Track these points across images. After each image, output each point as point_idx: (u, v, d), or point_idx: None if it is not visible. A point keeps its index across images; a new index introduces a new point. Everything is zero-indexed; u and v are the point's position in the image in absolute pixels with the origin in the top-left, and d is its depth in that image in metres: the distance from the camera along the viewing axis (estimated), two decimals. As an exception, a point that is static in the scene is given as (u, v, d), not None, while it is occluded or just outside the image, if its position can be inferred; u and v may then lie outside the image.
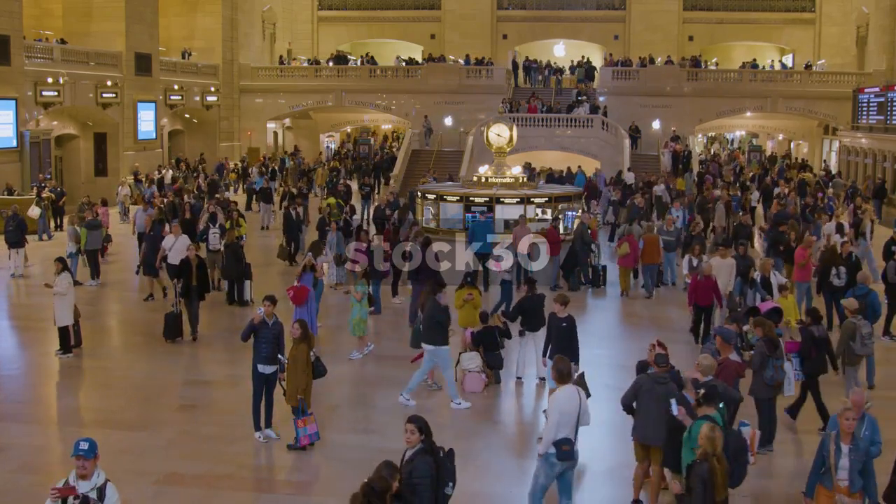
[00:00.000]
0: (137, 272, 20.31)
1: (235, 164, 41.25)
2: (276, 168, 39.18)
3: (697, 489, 6.87)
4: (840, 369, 11.90)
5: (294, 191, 29.06)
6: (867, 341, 11.79)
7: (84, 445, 6.48)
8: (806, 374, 11.26)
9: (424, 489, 6.61)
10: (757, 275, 15.23)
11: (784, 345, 12.02)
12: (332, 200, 25.01)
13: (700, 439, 7.05)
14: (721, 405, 8.16)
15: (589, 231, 20.36)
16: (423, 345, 12.20)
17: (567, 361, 8.72)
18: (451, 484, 6.93)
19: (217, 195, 27.73)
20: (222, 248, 18.99)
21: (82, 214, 21.72)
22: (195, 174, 36.66)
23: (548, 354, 11.62)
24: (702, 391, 8.10)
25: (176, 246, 17.57)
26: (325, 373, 10.79)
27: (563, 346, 11.29)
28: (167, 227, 19.32)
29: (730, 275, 15.47)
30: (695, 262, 16.40)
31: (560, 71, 46.45)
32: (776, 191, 29.14)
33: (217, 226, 19.57)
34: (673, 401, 8.25)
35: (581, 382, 9.22)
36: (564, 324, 11.61)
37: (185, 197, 26.76)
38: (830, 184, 33.76)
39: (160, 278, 18.48)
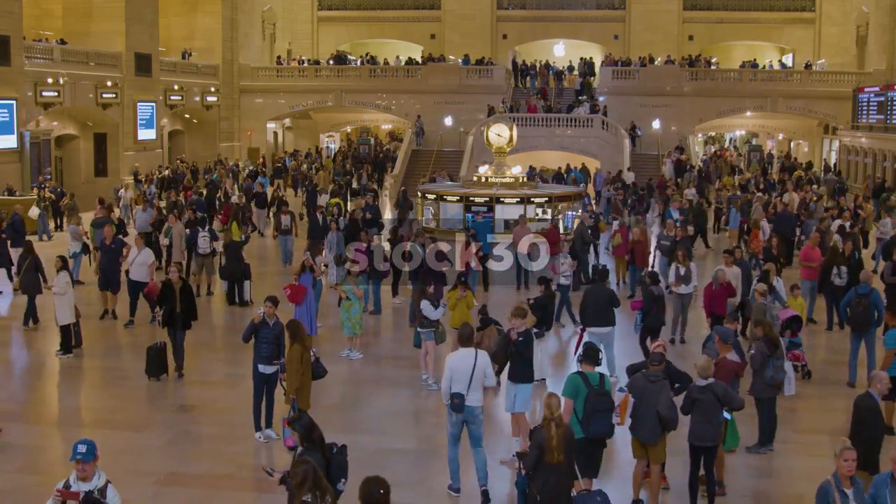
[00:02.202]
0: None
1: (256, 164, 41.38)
2: (257, 169, 38.78)
3: (532, 452, 7.40)
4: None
5: (284, 196, 28.48)
6: (776, 322, 12.30)
7: (82, 449, 6.42)
8: (646, 326, 13.29)
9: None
10: (777, 280, 14.52)
11: (630, 303, 14.11)
12: (333, 201, 25.04)
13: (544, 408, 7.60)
14: (601, 364, 9.04)
15: (589, 231, 20.41)
16: (591, 329, 12.85)
17: (470, 327, 9.53)
18: (343, 480, 7.23)
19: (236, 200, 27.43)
20: (221, 250, 18.97)
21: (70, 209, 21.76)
22: (207, 174, 36.56)
23: (511, 376, 10.35)
24: (581, 349, 8.96)
25: (138, 260, 15.96)
26: (325, 374, 10.79)
27: (521, 363, 10.23)
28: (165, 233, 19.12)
29: (735, 283, 14.81)
30: (682, 271, 15.12)
31: (561, 74, 46.27)
32: (788, 197, 28.78)
33: (206, 229, 19.31)
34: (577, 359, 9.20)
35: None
36: (521, 338, 10.22)
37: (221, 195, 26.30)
38: (822, 180, 33.87)
39: (116, 295, 16.69)
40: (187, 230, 19.29)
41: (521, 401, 10.20)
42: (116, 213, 25.18)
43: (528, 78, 45.98)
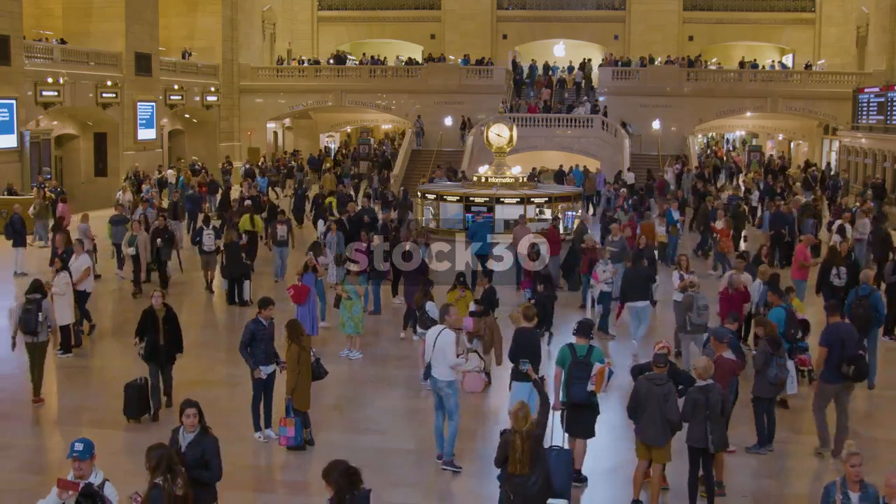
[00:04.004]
0: None
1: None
2: (253, 169, 37.95)
3: (498, 450, 7.63)
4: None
5: (277, 203, 27.94)
6: (702, 312, 13.05)
7: (79, 447, 6.42)
8: (536, 301, 14.31)
9: (218, 463, 7.36)
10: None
11: (521, 282, 14.97)
12: (332, 199, 25.06)
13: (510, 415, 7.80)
14: (592, 340, 9.79)
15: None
16: (630, 304, 14.48)
17: (446, 308, 10.57)
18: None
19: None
20: (222, 248, 19.00)
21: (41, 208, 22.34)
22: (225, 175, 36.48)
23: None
24: (576, 323, 9.83)
25: (74, 267, 14.98)
26: (325, 374, 10.76)
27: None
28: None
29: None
30: (686, 277, 14.64)
31: (562, 82, 46.02)
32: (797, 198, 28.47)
33: (210, 227, 19.53)
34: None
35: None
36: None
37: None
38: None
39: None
40: (158, 239, 18.80)
41: (512, 399, 10.27)
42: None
43: (523, 87, 45.76)
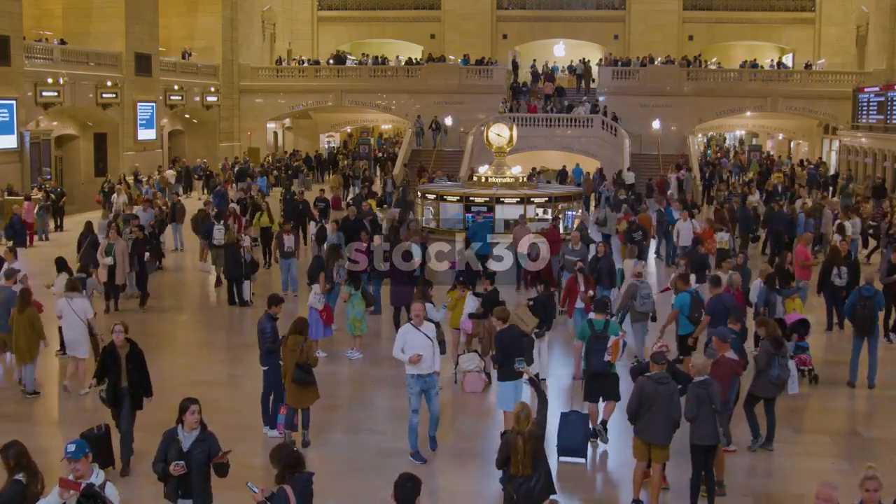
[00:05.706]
0: None
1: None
2: (248, 168, 37.69)
3: (500, 452, 7.72)
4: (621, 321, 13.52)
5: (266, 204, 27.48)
6: (646, 300, 13.57)
7: (71, 448, 6.50)
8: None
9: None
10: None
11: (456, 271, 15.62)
12: (373, 202, 25.40)
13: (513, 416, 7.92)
14: (612, 317, 10.96)
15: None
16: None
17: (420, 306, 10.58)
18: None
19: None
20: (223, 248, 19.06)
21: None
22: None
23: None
24: (595, 300, 11.01)
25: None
26: (304, 381, 10.32)
27: (501, 362, 10.39)
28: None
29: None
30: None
31: (562, 90, 45.88)
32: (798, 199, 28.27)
33: (222, 223, 19.77)
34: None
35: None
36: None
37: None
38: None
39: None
40: (146, 253, 18.15)
41: (499, 399, 10.44)
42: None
43: (521, 96, 45.62)
